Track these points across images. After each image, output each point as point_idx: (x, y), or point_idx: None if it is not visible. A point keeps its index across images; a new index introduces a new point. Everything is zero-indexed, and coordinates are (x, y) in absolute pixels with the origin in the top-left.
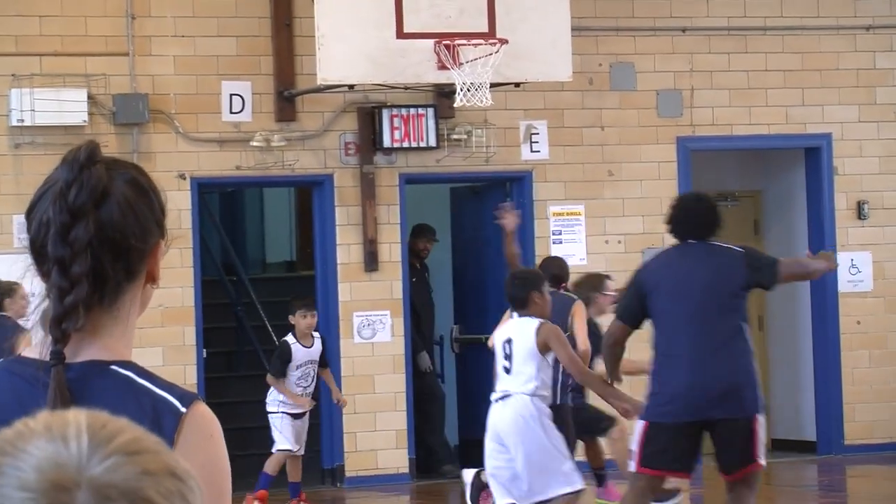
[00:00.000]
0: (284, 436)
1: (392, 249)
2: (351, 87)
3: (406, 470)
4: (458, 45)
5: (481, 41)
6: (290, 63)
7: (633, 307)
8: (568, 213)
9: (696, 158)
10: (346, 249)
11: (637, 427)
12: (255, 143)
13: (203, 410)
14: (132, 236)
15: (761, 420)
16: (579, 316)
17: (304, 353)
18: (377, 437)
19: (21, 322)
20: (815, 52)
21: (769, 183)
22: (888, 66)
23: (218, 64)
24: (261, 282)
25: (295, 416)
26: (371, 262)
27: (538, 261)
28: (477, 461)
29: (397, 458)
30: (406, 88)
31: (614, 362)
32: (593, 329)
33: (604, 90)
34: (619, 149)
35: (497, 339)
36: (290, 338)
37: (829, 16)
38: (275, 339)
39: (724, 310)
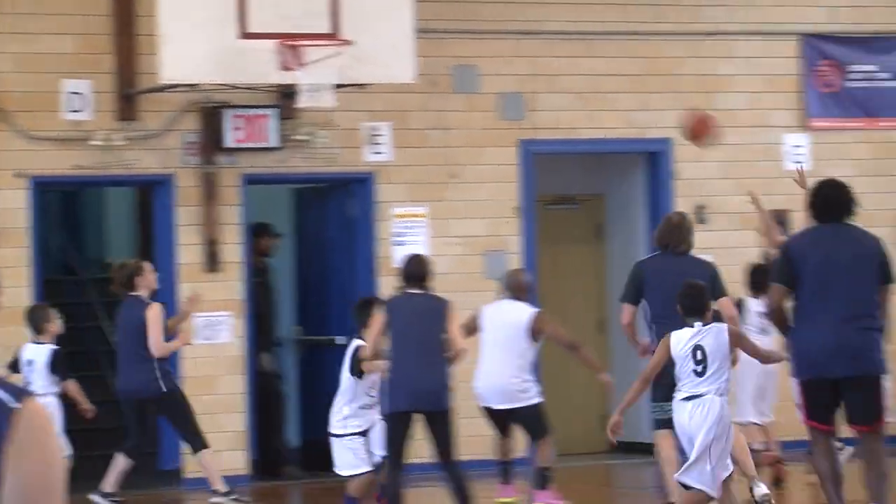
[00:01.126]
0: (358, 457)
1: (234, 250)
2: (193, 86)
3: (246, 472)
4: (302, 45)
5: (325, 42)
6: (131, 62)
7: (788, 273)
8: (411, 216)
9: (539, 161)
10: (188, 250)
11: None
12: (95, 143)
13: (36, 406)
14: None
15: (885, 381)
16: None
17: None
18: (218, 438)
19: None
20: (656, 58)
21: (611, 187)
22: (728, 72)
23: (58, 62)
24: (101, 282)
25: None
26: (212, 262)
27: (387, 262)
28: (319, 462)
29: (238, 460)
30: (249, 89)
31: (783, 322)
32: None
33: (447, 92)
34: (462, 151)
35: (679, 347)
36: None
37: (671, 21)
38: (110, 341)
39: (862, 282)
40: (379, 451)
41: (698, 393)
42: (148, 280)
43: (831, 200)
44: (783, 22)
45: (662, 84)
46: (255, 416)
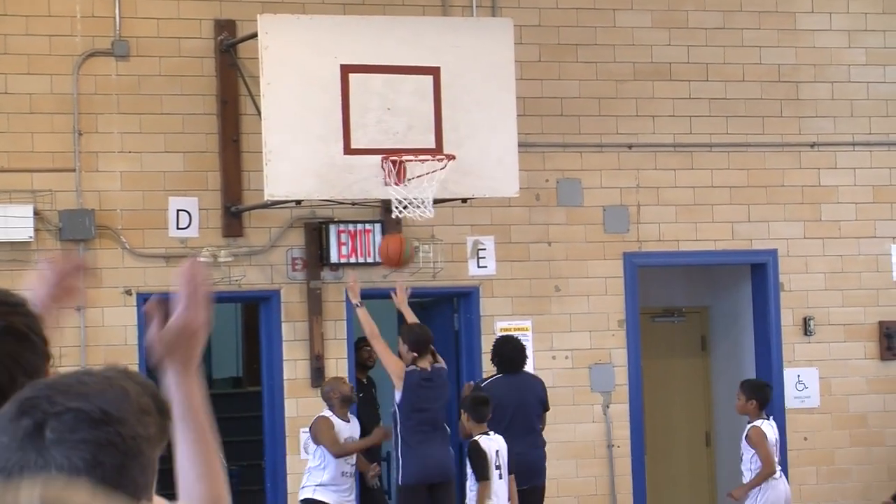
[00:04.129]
0: None
1: (339, 365)
2: (298, 202)
3: None
4: (405, 160)
5: (428, 157)
6: (237, 179)
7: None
8: (515, 329)
9: (643, 274)
10: (293, 365)
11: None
12: (201, 259)
13: None
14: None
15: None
16: None
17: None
18: None
19: None
20: (760, 169)
21: (716, 299)
22: (832, 183)
23: (165, 180)
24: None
25: None
26: (318, 377)
27: (484, 374)
28: None
29: None
30: (353, 204)
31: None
32: None
33: (550, 206)
34: (565, 264)
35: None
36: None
37: (774, 133)
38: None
39: (537, 417)
40: None
41: None
42: None
43: (513, 355)
44: (888, 133)
45: (767, 195)
46: None
